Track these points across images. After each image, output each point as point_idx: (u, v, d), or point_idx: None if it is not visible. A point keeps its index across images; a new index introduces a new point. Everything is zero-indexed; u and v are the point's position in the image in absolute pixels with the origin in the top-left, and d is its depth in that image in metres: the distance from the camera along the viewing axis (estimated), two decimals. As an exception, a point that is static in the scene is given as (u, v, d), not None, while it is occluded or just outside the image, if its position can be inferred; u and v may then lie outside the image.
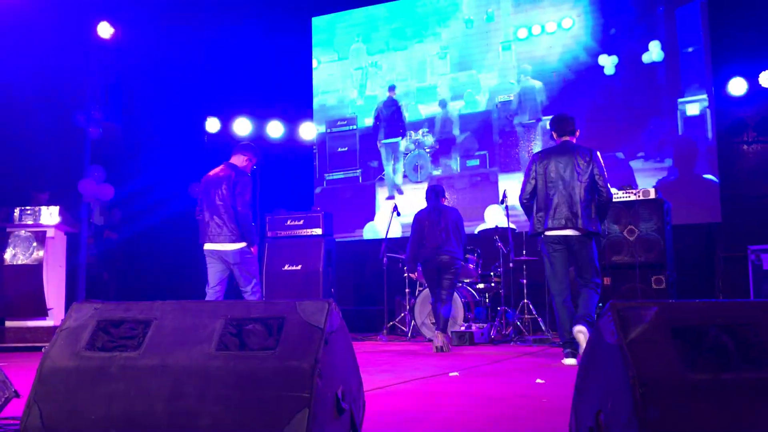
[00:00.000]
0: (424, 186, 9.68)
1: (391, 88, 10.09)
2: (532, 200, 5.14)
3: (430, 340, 7.23)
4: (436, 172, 9.70)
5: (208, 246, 5.48)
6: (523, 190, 5.18)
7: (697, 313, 1.63)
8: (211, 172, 5.65)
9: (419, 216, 6.65)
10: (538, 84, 9.26)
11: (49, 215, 6.38)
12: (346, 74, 10.48)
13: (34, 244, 6.22)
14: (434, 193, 6.72)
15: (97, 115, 8.48)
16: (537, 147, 9.14)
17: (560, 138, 5.19)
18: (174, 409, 1.79)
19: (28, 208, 6.31)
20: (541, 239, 5.09)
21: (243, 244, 5.43)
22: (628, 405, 1.48)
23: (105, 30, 8.40)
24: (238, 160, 5.69)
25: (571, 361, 4.80)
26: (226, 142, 9.72)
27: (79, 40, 8.36)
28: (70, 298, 6.68)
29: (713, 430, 1.42)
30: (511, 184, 8.98)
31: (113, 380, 1.87)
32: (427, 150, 9.83)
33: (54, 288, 6.38)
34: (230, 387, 1.79)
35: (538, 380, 3.91)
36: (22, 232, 6.21)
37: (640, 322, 1.59)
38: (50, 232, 6.34)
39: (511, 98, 9.38)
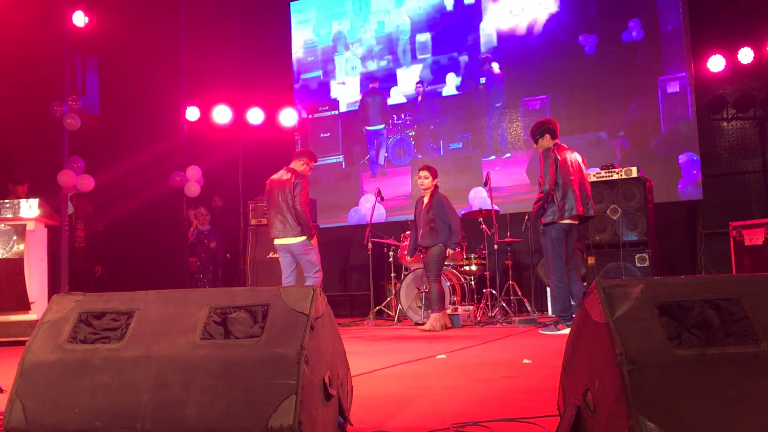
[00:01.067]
0: (408, 170, 9.69)
1: (374, 79, 10.02)
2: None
3: (417, 324, 7.25)
4: (419, 156, 9.68)
5: (276, 241, 6.23)
6: (552, 179, 5.66)
7: (682, 289, 1.63)
8: (275, 176, 6.28)
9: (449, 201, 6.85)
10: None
11: (29, 208, 6.27)
12: (327, 58, 10.40)
13: (14, 237, 6.12)
14: None
15: (74, 105, 8.34)
16: (518, 129, 9.15)
17: (554, 139, 5.83)
18: (159, 399, 1.76)
19: (6, 201, 6.19)
20: (557, 225, 5.65)
21: (303, 238, 6.09)
22: (615, 383, 1.48)
23: (80, 19, 8.27)
24: (297, 164, 6.31)
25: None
26: (206, 129, 9.64)
27: (54, 30, 8.21)
28: (54, 291, 6.59)
29: (700, 405, 1.42)
30: (493, 167, 8.99)
31: (96, 372, 1.84)
32: (410, 133, 9.80)
33: (36, 281, 6.29)
34: (216, 376, 1.77)
35: (525, 360, 3.92)
36: (2, 226, 6.10)
37: (626, 299, 1.59)
38: (30, 225, 6.24)
39: (493, 80, 9.36)
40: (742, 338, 1.53)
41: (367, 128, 10.04)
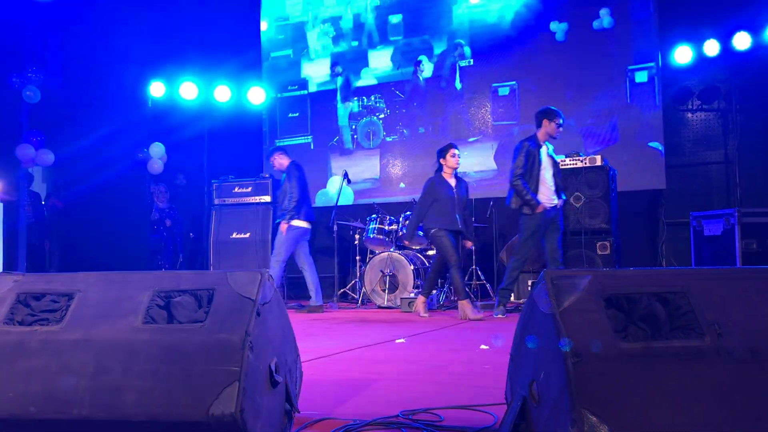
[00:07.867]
0: (376, 152, 9.62)
1: (338, 62, 9.91)
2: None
3: (380, 307, 7.25)
4: (389, 139, 9.62)
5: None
6: None
7: (630, 281, 1.62)
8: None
9: None
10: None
11: (-17, 182, 6.11)
12: (297, 37, 10.26)
13: (-32, 212, 5.96)
14: None
15: (34, 77, 8.10)
16: (487, 115, 9.13)
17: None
18: (97, 385, 1.71)
19: (-40, 174, 6.02)
20: None
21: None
22: (560, 375, 1.46)
23: (41, -13, 8.01)
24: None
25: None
26: (171, 106, 9.45)
27: (15, 0, 7.96)
28: (9, 270, 6.44)
29: (643, 399, 1.42)
30: (461, 152, 8.96)
31: (33, 356, 1.78)
32: (380, 116, 9.73)
33: (-10, 258, 6.15)
34: (157, 361, 1.72)
35: (483, 346, 3.93)
36: (-46, 200, 5.94)
37: (573, 290, 1.58)
38: (-16, 200, 6.09)
39: (464, 65, 9.32)
40: (687, 332, 1.52)
41: (342, 104, 9.91)
